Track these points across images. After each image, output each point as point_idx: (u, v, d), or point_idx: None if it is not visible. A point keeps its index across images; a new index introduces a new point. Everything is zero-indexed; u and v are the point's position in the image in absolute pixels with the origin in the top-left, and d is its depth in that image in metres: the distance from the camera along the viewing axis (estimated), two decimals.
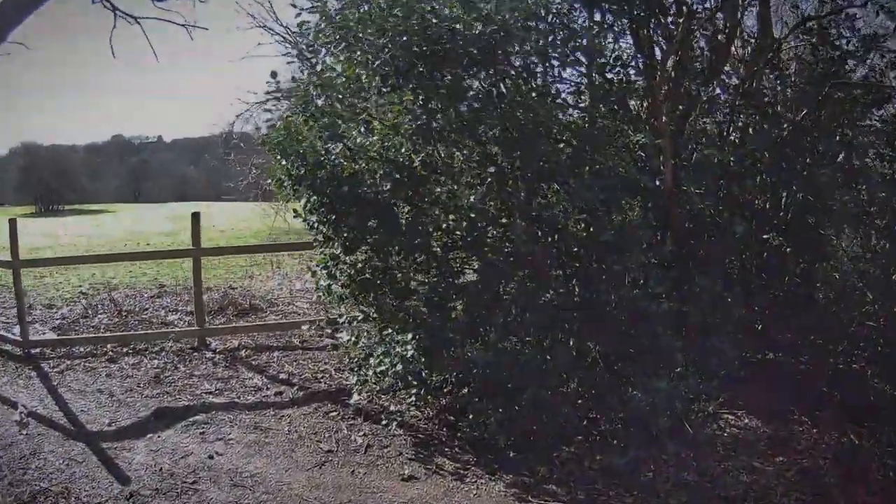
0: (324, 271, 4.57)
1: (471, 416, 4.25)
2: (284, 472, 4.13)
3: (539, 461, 4.05)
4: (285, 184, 4.56)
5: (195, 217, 6.40)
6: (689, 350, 3.61)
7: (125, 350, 6.51)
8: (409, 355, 4.10)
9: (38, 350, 6.46)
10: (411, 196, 4.13)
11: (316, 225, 4.44)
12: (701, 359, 3.61)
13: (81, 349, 6.49)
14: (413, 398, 4.51)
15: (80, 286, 8.76)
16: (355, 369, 4.82)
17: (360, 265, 4.35)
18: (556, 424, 3.95)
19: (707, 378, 3.57)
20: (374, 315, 4.44)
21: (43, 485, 4.02)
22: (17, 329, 6.52)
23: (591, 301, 3.75)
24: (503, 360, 3.84)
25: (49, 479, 4.11)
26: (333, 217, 4.24)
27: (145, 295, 8.53)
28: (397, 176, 4.03)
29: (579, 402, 4.05)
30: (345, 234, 4.23)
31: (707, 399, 3.80)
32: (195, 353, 6.36)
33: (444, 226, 4.19)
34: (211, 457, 4.32)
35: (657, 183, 3.80)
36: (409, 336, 4.15)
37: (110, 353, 6.47)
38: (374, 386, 4.84)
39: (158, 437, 4.66)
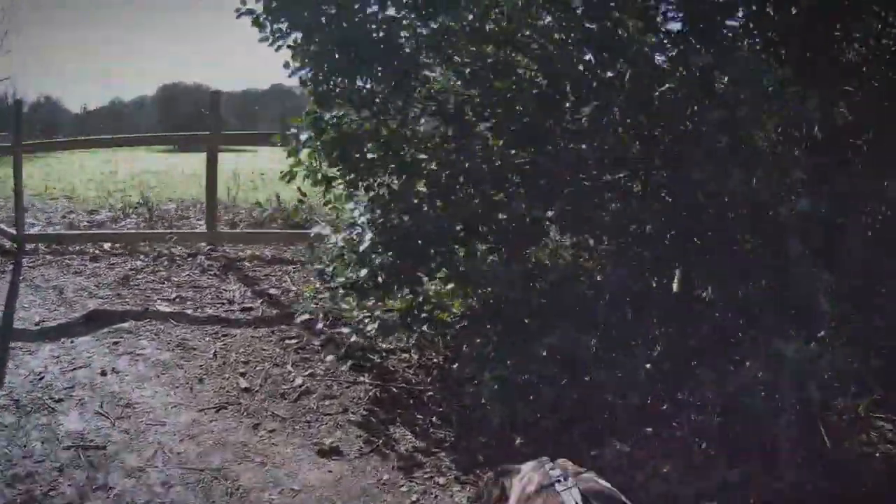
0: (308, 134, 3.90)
1: (486, 374, 3.45)
2: (170, 408, 3.98)
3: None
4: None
5: (214, 96, 7.11)
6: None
7: (119, 249, 7.15)
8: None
9: (32, 245, 7.34)
10: None
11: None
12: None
13: (78, 247, 7.22)
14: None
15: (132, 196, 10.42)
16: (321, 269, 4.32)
17: None
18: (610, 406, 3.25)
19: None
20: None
21: None
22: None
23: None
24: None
25: None
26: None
27: (187, 205, 9.51)
28: None
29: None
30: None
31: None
32: (189, 259, 6.76)
33: None
34: (104, 373, 4.34)
35: None
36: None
37: (97, 252, 7.20)
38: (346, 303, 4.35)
39: (71, 342, 4.82)
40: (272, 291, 5.83)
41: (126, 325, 5.12)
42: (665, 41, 3.41)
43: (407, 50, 3.61)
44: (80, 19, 73.23)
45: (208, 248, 7.02)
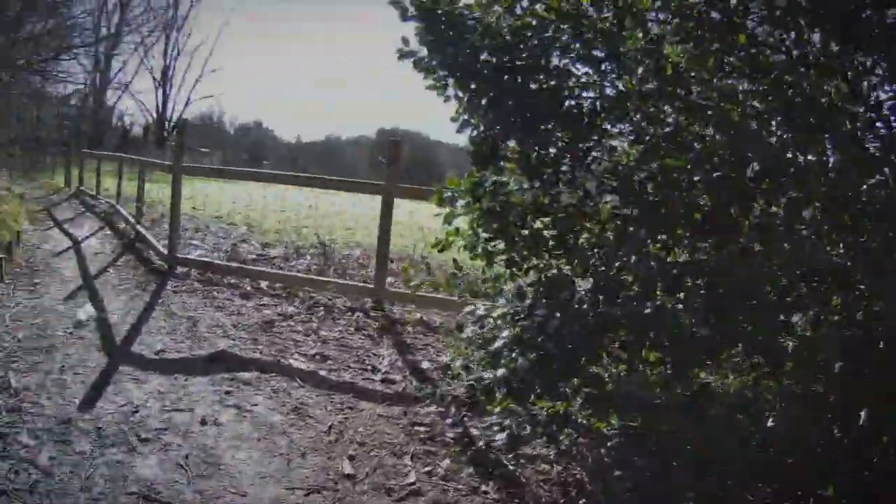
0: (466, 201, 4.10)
1: None
2: (258, 479, 4.11)
3: None
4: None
5: (394, 146, 7.72)
6: None
7: (276, 290, 8.12)
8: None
9: (184, 269, 8.77)
10: None
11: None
12: None
13: (233, 279, 8.46)
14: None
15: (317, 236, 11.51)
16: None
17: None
18: None
19: None
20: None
21: (31, 380, 5.14)
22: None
23: None
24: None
25: (43, 381, 5.15)
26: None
27: (369, 254, 10.40)
28: None
29: None
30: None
31: None
32: (347, 313, 7.42)
33: None
34: (204, 422, 4.71)
35: None
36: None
37: (250, 288, 8.18)
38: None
39: (183, 380, 5.38)
40: (424, 365, 6.07)
41: (248, 374, 5.55)
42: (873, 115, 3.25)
43: (588, 114, 3.69)
44: (301, 46, 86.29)
45: (372, 303, 7.53)
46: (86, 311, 6.97)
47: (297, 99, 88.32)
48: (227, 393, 5.20)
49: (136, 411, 4.75)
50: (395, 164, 7.56)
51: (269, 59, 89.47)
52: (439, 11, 3.69)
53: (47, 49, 21.48)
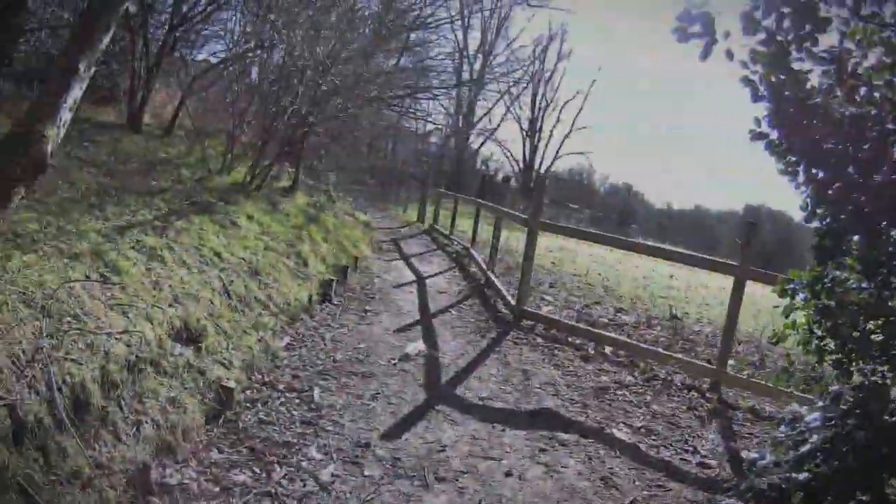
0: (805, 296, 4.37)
1: None
2: None
3: None
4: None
5: (750, 228, 8.07)
6: None
7: (618, 357, 8.55)
8: None
9: (529, 322, 9.44)
10: None
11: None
12: None
13: (578, 340, 8.91)
14: None
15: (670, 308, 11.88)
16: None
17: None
18: None
19: None
20: None
21: (338, 399, 5.91)
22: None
23: None
24: None
25: (349, 403, 5.89)
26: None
27: (707, 330, 10.62)
28: None
29: None
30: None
31: None
32: (683, 391, 7.71)
33: None
34: (508, 474, 5.09)
35: None
36: None
37: (593, 352, 8.52)
38: None
39: (500, 430, 5.85)
40: (744, 454, 6.09)
41: (567, 436, 5.90)
42: None
43: None
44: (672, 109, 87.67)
45: (709, 384, 7.73)
46: (415, 345, 7.68)
47: (670, 165, 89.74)
48: (542, 450, 5.48)
49: (442, 451, 5.17)
50: (748, 247, 7.91)
51: (641, 119, 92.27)
52: (787, 94, 3.89)
53: (400, 86, 23.93)
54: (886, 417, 3.75)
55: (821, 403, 4.15)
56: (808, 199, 4.10)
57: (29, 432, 3.43)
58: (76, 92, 3.95)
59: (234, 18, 13.56)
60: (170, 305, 5.44)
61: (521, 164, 54.06)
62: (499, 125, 53.24)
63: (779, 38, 3.67)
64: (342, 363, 6.74)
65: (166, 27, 11.29)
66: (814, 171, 3.96)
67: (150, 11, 10.62)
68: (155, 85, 10.95)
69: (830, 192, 3.93)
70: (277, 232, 9.40)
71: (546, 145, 54.11)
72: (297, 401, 5.62)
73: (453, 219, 19.31)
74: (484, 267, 12.57)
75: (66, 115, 3.91)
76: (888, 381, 3.83)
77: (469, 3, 40.21)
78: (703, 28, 3.63)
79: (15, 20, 7.10)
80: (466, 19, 45.53)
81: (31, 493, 3.20)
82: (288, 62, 10.96)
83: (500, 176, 41.34)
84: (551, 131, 54.01)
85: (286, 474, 4.50)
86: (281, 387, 5.81)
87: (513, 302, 9.74)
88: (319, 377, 6.25)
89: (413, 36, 28.64)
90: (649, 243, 14.45)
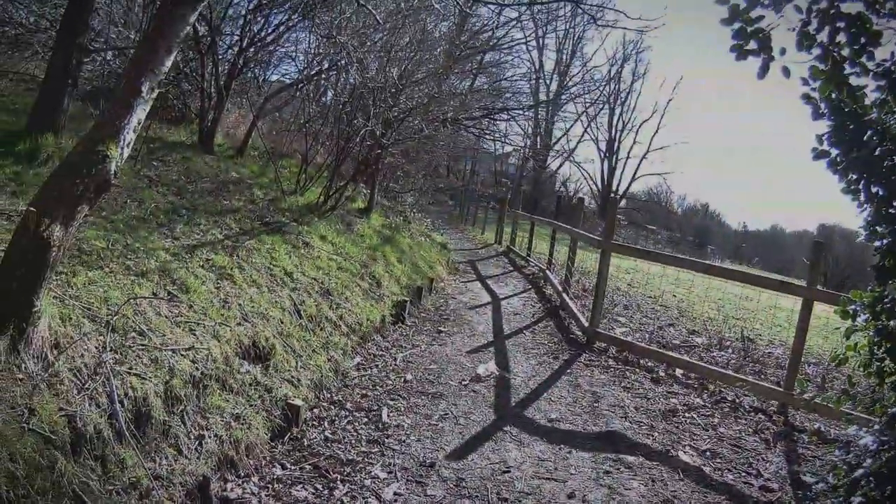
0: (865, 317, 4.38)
1: None
2: None
3: None
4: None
5: (816, 247, 8.09)
6: None
7: (689, 380, 8.49)
8: None
9: (602, 344, 9.47)
10: None
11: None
12: None
13: (649, 362, 8.92)
14: None
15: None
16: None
17: None
18: None
19: None
20: None
21: (406, 419, 6.02)
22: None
23: None
24: None
25: (417, 423, 5.94)
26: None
27: (778, 352, 10.49)
28: None
29: None
30: None
31: None
32: (751, 413, 7.73)
33: None
34: (571, 496, 5.12)
35: None
36: None
37: (664, 374, 8.52)
38: None
39: (567, 452, 5.88)
40: (807, 477, 6.17)
41: (632, 458, 5.91)
42: None
43: None
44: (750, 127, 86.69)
45: (776, 407, 7.77)
46: (487, 367, 7.69)
47: (747, 183, 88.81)
48: (606, 473, 5.50)
49: (507, 472, 5.16)
50: (816, 268, 7.97)
51: (719, 138, 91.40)
52: (846, 110, 3.91)
53: (476, 108, 23.98)
54: None
55: (876, 427, 4.13)
56: (869, 218, 4.11)
57: (87, 442, 3.53)
58: (140, 113, 4.05)
59: (306, 39, 13.80)
60: (238, 324, 5.55)
61: (600, 186, 54.02)
62: (576, 146, 53.45)
63: (834, 53, 3.66)
64: (412, 383, 6.80)
65: (236, 48, 11.52)
66: (874, 188, 3.97)
67: (217, 33, 10.82)
68: (226, 105, 11.15)
69: (891, 209, 3.96)
70: (351, 252, 9.51)
71: (624, 165, 54.04)
72: (364, 420, 5.68)
73: (530, 240, 19.32)
74: (559, 289, 12.50)
75: (129, 136, 4.01)
76: None
77: (542, 23, 40.31)
78: (758, 44, 3.65)
79: (78, 40, 7.31)
80: (541, 39, 45.76)
81: (86, 501, 3.26)
82: (360, 83, 11.08)
83: (577, 197, 41.31)
84: (629, 152, 54.08)
85: (348, 492, 4.55)
86: (349, 405, 5.88)
87: (586, 324, 9.76)
88: (388, 397, 6.31)
89: (487, 57, 28.72)
90: (722, 265, 14.32)
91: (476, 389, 6.93)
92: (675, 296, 14.67)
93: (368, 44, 11.46)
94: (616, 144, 53.99)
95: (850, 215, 69.71)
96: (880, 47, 3.69)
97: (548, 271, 14.88)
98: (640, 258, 12.67)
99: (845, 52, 3.72)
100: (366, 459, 4.94)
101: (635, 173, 54.66)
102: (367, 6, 9.89)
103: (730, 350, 10.15)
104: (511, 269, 17.26)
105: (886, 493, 3.72)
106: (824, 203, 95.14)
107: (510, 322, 10.51)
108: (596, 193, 53.99)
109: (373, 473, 4.77)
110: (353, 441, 5.21)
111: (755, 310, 13.94)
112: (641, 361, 8.87)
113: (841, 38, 3.62)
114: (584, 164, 59.53)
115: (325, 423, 5.43)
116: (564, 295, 11.75)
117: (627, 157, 54.32)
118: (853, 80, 3.79)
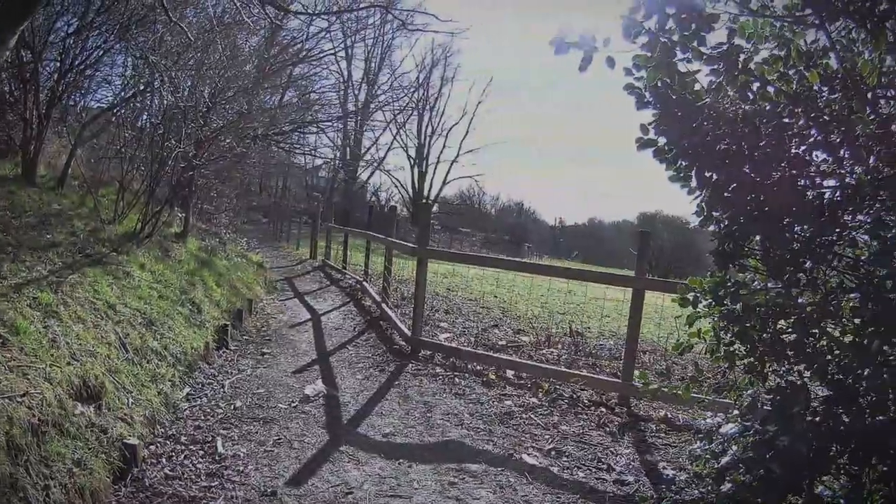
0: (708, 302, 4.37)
1: None
2: None
3: None
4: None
5: (643, 237, 8.24)
6: None
7: (521, 380, 8.71)
8: None
9: (427, 352, 9.55)
10: None
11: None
12: None
13: (476, 366, 9.12)
14: None
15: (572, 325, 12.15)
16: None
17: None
18: None
19: None
20: None
21: (241, 448, 5.93)
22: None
23: None
24: None
25: (253, 451, 5.89)
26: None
27: (610, 344, 10.84)
28: None
29: None
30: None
31: None
32: (591, 408, 7.87)
33: None
34: None
35: None
36: None
37: (494, 377, 8.68)
38: None
39: (407, 467, 5.92)
40: (661, 466, 6.27)
41: (476, 466, 5.96)
42: None
43: (828, 205, 3.79)
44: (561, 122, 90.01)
45: (618, 398, 7.96)
46: (315, 386, 7.72)
47: (561, 180, 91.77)
48: (451, 484, 5.55)
49: (350, 493, 5.20)
50: (643, 257, 8.07)
51: (530, 136, 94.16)
52: (674, 98, 3.89)
53: (285, 122, 23.96)
54: (809, 418, 3.74)
55: (736, 412, 4.21)
56: (704, 204, 4.12)
57: None
58: None
59: (122, 62, 13.44)
60: (68, 363, 5.36)
61: (411, 193, 54.70)
62: (386, 155, 53.87)
63: (663, 39, 3.63)
64: (242, 409, 6.75)
65: (56, 75, 11.11)
66: (707, 173, 3.97)
67: (39, 60, 10.40)
68: (46, 134, 10.72)
69: (727, 193, 3.95)
70: (170, 280, 9.31)
71: (434, 171, 54.97)
72: (200, 453, 5.60)
73: (345, 253, 19.43)
74: (378, 299, 12.66)
75: None
76: (806, 381, 3.83)
77: (352, 32, 40.55)
78: (581, 37, 3.53)
79: None
80: (350, 49, 45.89)
81: None
82: (172, 104, 10.90)
83: (389, 206, 41.67)
84: (438, 157, 55.10)
85: None
86: (184, 439, 5.79)
87: (408, 333, 9.85)
88: (221, 426, 6.25)
89: (297, 70, 28.64)
90: (541, 263, 14.77)
91: (306, 410, 6.95)
92: (495, 296, 15.04)
93: (181, 63, 11.27)
94: (426, 150, 54.90)
95: (671, 203, 72.82)
96: (714, 31, 3.68)
97: (365, 283, 15.06)
98: (457, 262, 12.97)
99: (675, 37, 3.68)
100: (207, 494, 4.89)
101: (446, 178, 55.83)
102: (180, 24, 9.76)
103: (560, 346, 10.39)
104: (328, 283, 17.34)
105: (758, 476, 3.77)
106: (644, 192, 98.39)
107: (332, 337, 10.58)
108: (408, 201, 54.58)
109: None
110: (193, 476, 5.14)
111: (581, 303, 14.44)
112: (470, 366, 9.04)
113: (671, 24, 3.59)
114: (395, 172, 59.80)
115: (164, 460, 5.33)
116: (384, 305, 11.88)
117: (438, 162, 55.54)
118: (682, 67, 3.79)
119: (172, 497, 4.81)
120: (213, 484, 5.11)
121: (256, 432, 6.21)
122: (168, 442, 5.71)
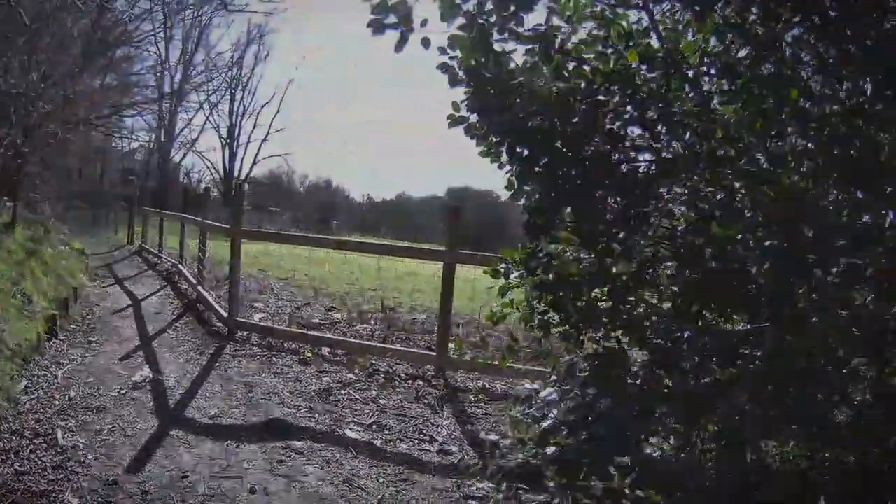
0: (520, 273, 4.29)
1: None
2: None
3: None
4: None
5: (452, 212, 8.25)
6: None
7: (337, 357, 8.70)
8: None
9: (244, 333, 9.42)
10: None
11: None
12: None
13: (294, 345, 9.01)
14: None
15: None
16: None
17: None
18: None
19: None
20: None
21: (80, 439, 5.66)
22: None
23: None
24: None
25: (91, 441, 5.63)
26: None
27: (423, 318, 11.05)
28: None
29: None
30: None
31: None
32: (408, 381, 7.86)
33: None
34: (253, 491, 5.03)
35: None
36: None
37: (311, 355, 8.65)
38: None
39: (235, 447, 5.76)
40: (483, 435, 6.29)
41: (301, 443, 5.90)
42: None
43: (643, 178, 3.76)
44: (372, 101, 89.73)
45: (434, 370, 7.97)
46: (142, 372, 7.49)
47: (370, 156, 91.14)
48: (279, 462, 5.50)
49: (185, 476, 5.10)
50: (454, 231, 8.03)
51: (341, 114, 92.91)
52: (488, 76, 3.75)
53: (106, 106, 22.79)
54: (630, 381, 3.68)
55: (553, 377, 4.10)
56: (515, 178, 3.93)
57: None
58: None
59: None
60: None
61: (222, 173, 53.11)
62: (199, 136, 52.11)
63: (480, 21, 3.49)
64: (76, 400, 6.46)
65: None
66: (518, 149, 3.80)
67: None
68: None
69: (538, 168, 3.81)
70: (3, 271, 8.77)
71: (245, 150, 53.57)
72: (44, 446, 5.35)
73: (160, 236, 18.76)
74: (194, 282, 12.36)
75: None
76: (625, 346, 3.77)
77: (172, 14, 38.78)
78: (398, 18, 3.38)
79: None
80: (169, 30, 43.88)
81: None
82: (3, 89, 10.17)
83: (203, 188, 40.28)
84: (249, 136, 53.87)
85: None
86: (28, 433, 5.51)
87: (225, 314, 9.66)
88: (59, 418, 5.98)
89: (119, 52, 27.06)
90: (349, 239, 14.61)
91: (136, 397, 6.72)
92: (307, 275, 14.88)
93: (14, 48, 10.49)
94: (237, 130, 53.41)
95: (478, 177, 72.47)
96: (533, 13, 3.56)
97: (181, 266, 14.65)
98: (272, 241, 12.73)
99: (493, 18, 3.55)
100: (56, 487, 4.70)
101: (256, 157, 54.51)
102: (17, 8, 9.10)
103: (373, 322, 10.52)
104: (146, 268, 16.79)
105: (582, 438, 3.68)
106: (451, 167, 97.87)
107: (153, 322, 10.24)
108: (219, 181, 52.96)
109: (66, 501, 4.57)
110: (41, 470, 4.92)
111: (391, 279, 14.45)
112: (286, 345, 8.97)
113: (489, 6, 3.47)
114: (207, 153, 58.04)
115: (13, 456, 5.07)
116: (200, 287, 11.63)
117: (248, 142, 54.06)
118: (497, 47, 3.64)
119: (25, 493, 4.61)
120: (59, 477, 4.91)
121: (91, 421, 5.97)
122: (14, 437, 5.42)
